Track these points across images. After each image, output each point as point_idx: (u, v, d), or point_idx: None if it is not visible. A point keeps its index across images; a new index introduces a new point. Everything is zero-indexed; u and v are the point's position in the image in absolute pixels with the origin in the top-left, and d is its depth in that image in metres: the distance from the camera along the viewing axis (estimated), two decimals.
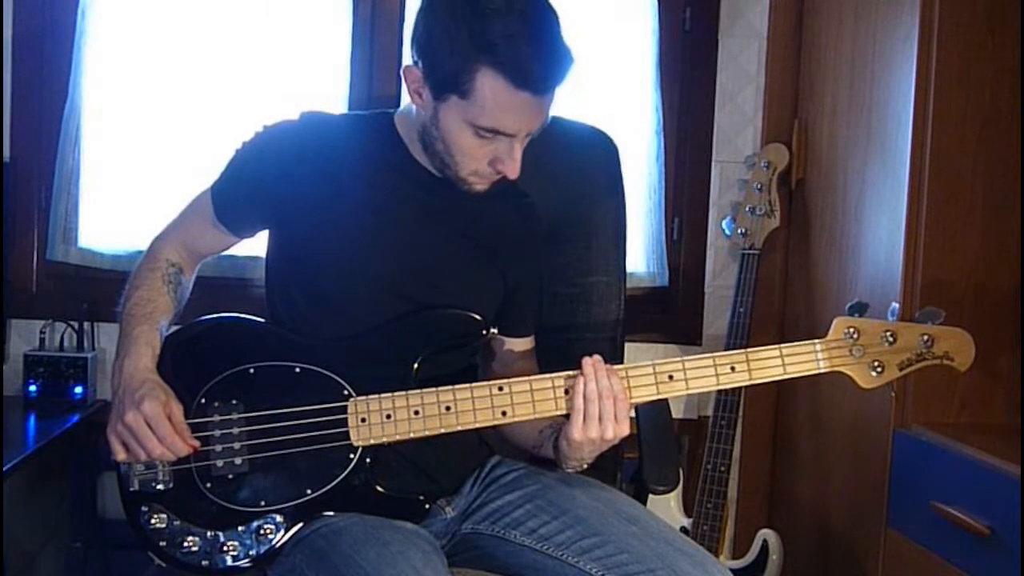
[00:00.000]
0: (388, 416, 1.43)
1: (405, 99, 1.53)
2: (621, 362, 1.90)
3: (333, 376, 1.45)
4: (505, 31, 1.34)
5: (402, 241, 1.52)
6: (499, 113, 1.38)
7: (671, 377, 1.45)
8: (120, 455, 1.41)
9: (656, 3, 2.50)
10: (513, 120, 1.40)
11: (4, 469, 1.82)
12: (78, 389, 2.34)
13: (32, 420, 2.21)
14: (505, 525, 1.51)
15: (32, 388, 2.33)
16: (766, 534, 2.34)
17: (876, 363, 1.47)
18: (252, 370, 1.46)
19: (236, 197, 1.57)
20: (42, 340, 2.40)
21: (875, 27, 2.15)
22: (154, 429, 1.38)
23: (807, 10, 2.52)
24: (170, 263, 1.58)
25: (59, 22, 2.39)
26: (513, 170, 1.44)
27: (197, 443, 1.41)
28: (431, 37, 1.40)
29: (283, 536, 1.41)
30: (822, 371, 1.47)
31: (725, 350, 2.33)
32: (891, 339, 1.47)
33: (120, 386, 1.42)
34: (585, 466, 1.51)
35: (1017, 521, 1.64)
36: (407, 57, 1.49)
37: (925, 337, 1.47)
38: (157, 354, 1.47)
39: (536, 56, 1.36)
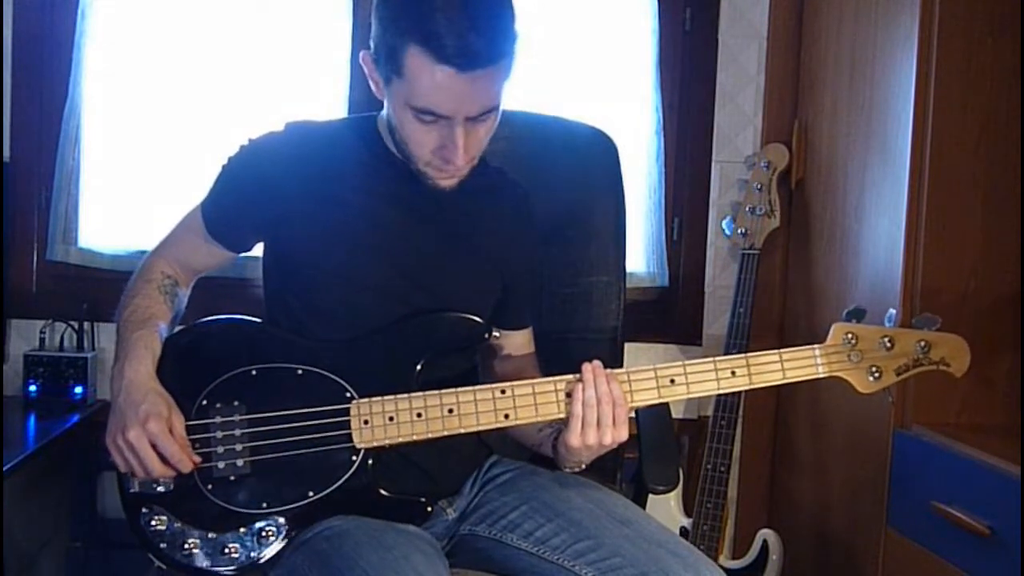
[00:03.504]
0: (391, 418, 1.42)
1: None
2: (621, 362, 1.92)
3: (335, 378, 1.44)
4: (432, 7, 1.31)
5: (396, 246, 1.51)
6: (429, 91, 1.34)
7: (672, 381, 1.44)
8: (121, 467, 1.40)
9: (656, 3, 2.50)
10: (444, 99, 1.34)
11: (4, 469, 1.82)
12: (78, 389, 2.34)
13: (32, 420, 2.22)
14: (502, 528, 1.50)
15: (32, 388, 2.34)
16: (766, 534, 2.34)
17: (874, 368, 1.48)
18: (254, 371, 1.45)
19: (227, 212, 1.56)
20: (42, 340, 2.40)
21: (875, 27, 2.15)
22: (159, 449, 1.36)
23: (807, 10, 2.52)
24: (165, 275, 1.57)
25: (59, 22, 2.39)
26: (456, 156, 1.39)
27: (199, 459, 1.40)
28: (377, 21, 1.39)
29: (285, 538, 1.41)
30: (821, 376, 1.47)
31: (725, 350, 2.35)
32: (889, 344, 1.48)
33: (121, 392, 1.40)
34: (583, 467, 1.51)
35: (1017, 521, 1.64)
36: None
37: (922, 343, 1.48)
38: (157, 358, 1.45)
39: (458, 31, 1.30)
